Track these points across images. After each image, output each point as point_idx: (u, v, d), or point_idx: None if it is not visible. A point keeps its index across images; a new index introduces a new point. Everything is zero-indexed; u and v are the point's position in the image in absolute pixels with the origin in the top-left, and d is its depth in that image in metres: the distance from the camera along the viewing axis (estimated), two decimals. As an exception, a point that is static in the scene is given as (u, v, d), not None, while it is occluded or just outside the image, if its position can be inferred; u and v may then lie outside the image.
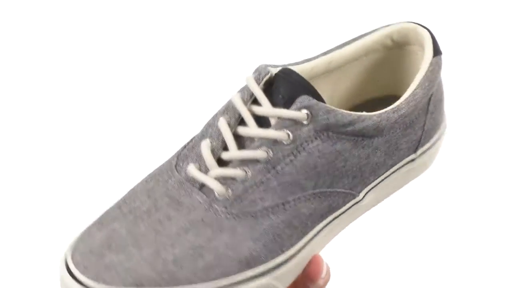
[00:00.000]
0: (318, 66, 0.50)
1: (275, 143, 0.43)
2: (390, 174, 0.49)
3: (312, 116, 0.43)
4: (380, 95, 0.55)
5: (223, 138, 0.44)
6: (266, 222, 0.43)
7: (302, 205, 0.44)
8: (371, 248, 0.86)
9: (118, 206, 0.44)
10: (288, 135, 0.43)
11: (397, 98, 0.49)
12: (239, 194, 0.42)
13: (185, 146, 0.46)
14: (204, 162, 0.43)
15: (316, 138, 0.43)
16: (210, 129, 0.45)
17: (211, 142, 0.44)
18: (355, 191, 0.46)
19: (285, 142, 0.43)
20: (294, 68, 0.48)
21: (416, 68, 0.50)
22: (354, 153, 0.45)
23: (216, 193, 0.42)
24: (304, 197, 0.44)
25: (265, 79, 0.44)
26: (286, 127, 0.43)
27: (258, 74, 0.45)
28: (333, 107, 0.43)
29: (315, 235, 0.45)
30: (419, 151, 0.50)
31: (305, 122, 0.43)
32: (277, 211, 0.43)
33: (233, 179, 0.42)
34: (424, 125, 0.49)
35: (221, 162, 0.43)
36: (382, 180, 0.48)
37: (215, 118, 0.45)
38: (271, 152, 0.43)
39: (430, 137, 0.51)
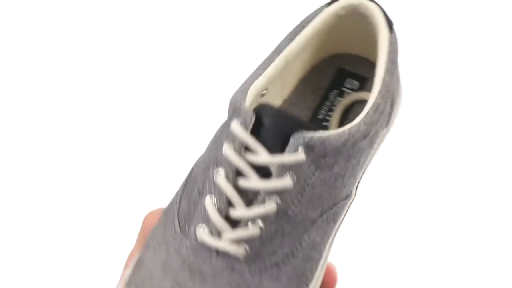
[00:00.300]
0: (275, 72, 0.48)
1: (283, 191, 0.41)
2: (370, 159, 0.48)
3: (309, 151, 0.41)
4: (335, 53, 0.54)
5: (226, 194, 0.41)
6: (289, 267, 0.42)
7: (314, 235, 0.43)
8: (370, 248, 0.86)
9: (134, 285, 0.42)
10: (293, 179, 0.41)
11: (352, 56, 0.49)
12: (258, 250, 0.41)
13: (179, 201, 0.44)
14: (214, 224, 0.41)
15: (316, 170, 0.42)
16: (208, 185, 0.42)
17: (214, 200, 0.42)
18: (350, 193, 0.46)
19: (291, 188, 0.41)
20: (259, 82, 0.45)
21: (371, 33, 0.49)
22: (348, 165, 0.44)
23: (235, 255, 0.41)
24: (315, 228, 0.43)
25: (252, 123, 0.42)
26: (288, 171, 0.41)
27: (244, 119, 0.42)
28: (325, 133, 0.42)
29: (328, 251, 0.45)
30: (389, 124, 0.50)
31: (305, 160, 0.41)
32: (296, 253, 0.42)
33: (249, 238, 0.41)
34: (392, 102, 0.48)
35: (229, 219, 0.42)
36: (368, 164, 0.48)
37: (208, 170, 0.43)
38: (279, 200, 0.41)
39: (396, 106, 0.50)
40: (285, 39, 0.48)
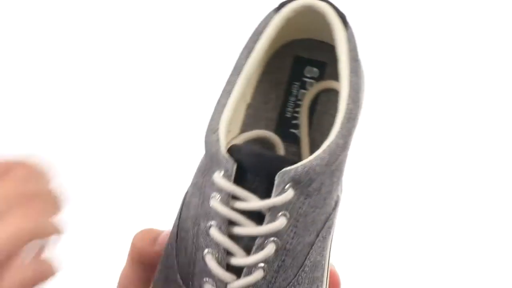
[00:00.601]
0: (239, 96, 0.46)
1: (279, 231, 0.41)
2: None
3: (296, 185, 0.41)
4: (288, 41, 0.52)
5: (223, 246, 0.41)
6: None
7: (315, 256, 0.43)
8: (368, 249, 0.86)
9: None
10: (286, 216, 0.41)
11: (305, 40, 0.48)
12: None
13: (176, 255, 0.44)
14: (218, 277, 0.41)
15: (305, 199, 0.41)
16: (202, 238, 0.42)
17: (213, 253, 0.41)
18: (337, 197, 0.46)
19: (286, 225, 0.41)
20: (226, 116, 0.44)
21: (327, 31, 0.47)
22: (333, 180, 0.43)
23: None
24: (314, 250, 0.43)
25: (234, 172, 0.41)
26: (280, 211, 0.41)
27: (225, 170, 0.41)
28: (307, 161, 0.41)
29: (328, 260, 0.45)
30: (357, 119, 0.49)
31: (294, 196, 0.41)
32: (301, 279, 0.42)
33: (255, 283, 0.41)
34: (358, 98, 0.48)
35: (231, 268, 0.41)
36: None
37: (199, 224, 0.42)
38: (277, 239, 0.41)
39: (361, 99, 0.49)
40: (240, 57, 0.47)
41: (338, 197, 0.45)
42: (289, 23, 0.47)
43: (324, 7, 0.45)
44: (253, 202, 0.40)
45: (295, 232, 0.41)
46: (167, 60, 0.90)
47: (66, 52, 0.90)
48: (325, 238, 0.43)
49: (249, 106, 0.50)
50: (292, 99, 0.51)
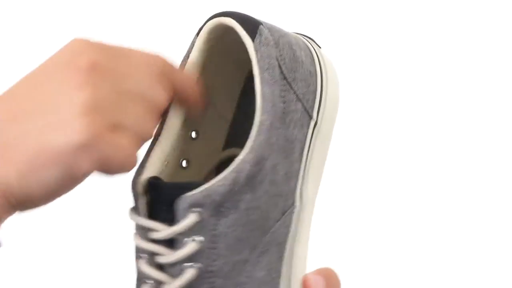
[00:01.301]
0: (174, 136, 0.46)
1: (194, 255, 0.41)
2: (306, 159, 0.46)
3: (199, 209, 0.41)
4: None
5: (154, 278, 0.42)
6: None
7: (255, 273, 0.43)
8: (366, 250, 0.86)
9: None
10: (196, 240, 0.41)
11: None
12: None
13: None
14: None
15: (219, 220, 0.41)
16: (140, 274, 0.43)
17: (147, 284, 0.43)
18: (288, 208, 0.45)
19: (201, 249, 0.41)
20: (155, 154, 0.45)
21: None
22: (259, 194, 0.42)
23: None
24: (251, 266, 0.43)
25: (144, 204, 0.42)
26: (188, 236, 0.41)
27: (135, 204, 0.42)
28: (207, 185, 0.41)
29: (288, 274, 0.45)
30: (314, 113, 0.47)
31: (199, 219, 0.41)
32: None
33: None
34: (296, 94, 0.46)
35: None
36: (305, 168, 0.46)
37: (136, 259, 0.44)
38: (195, 264, 0.41)
39: (314, 94, 0.47)
40: None
41: (291, 204, 0.45)
42: (214, 44, 0.46)
43: (231, 23, 0.44)
44: (164, 231, 0.41)
45: (217, 254, 0.41)
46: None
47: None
48: (268, 251, 0.43)
49: (232, 124, 0.50)
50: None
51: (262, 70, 0.43)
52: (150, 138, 0.42)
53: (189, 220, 0.41)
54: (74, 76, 0.38)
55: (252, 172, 0.42)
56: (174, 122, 0.45)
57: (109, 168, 0.39)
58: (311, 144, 0.47)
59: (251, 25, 0.44)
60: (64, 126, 0.37)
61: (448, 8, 0.94)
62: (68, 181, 0.38)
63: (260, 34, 0.44)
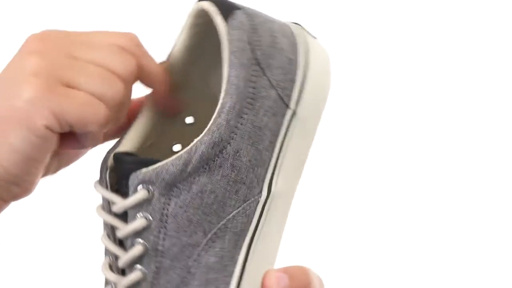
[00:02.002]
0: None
1: (143, 231, 0.42)
2: (281, 149, 0.45)
3: (150, 186, 0.42)
4: None
5: (110, 250, 0.43)
6: None
7: (205, 258, 0.42)
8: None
9: None
10: (146, 217, 0.42)
11: None
12: None
13: None
14: (108, 279, 0.44)
15: (170, 199, 0.42)
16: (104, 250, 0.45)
17: (106, 258, 0.44)
18: (252, 197, 0.44)
19: (148, 225, 0.42)
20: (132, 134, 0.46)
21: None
22: (216, 178, 0.42)
23: None
24: (203, 250, 0.42)
25: (107, 177, 0.43)
26: (138, 212, 0.42)
27: (100, 176, 0.44)
28: (160, 164, 0.42)
29: (243, 265, 0.43)
30: (291, 103, 0.45)
31: (149, 196, 0.42)
32: (187, 281, 0.42)
33: (137, 283, 0.43)
34: (269, 80, 0.45)
35: (121, 271, 0.44)
36: (277, 158, 0.45)
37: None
38: (143, 240, 0.42)
39: (292, 82, 0.46)
40: None
41: (258, 193, 0.44)
42: (201, 28, 0.46)
43: (206, 6, 0.45)
44: (118, 204, 0.42)
45: (165, 233, 0.42)
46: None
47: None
48: (223, 238, 0.42)
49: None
50: None
51: (230, 53, 0.43)
52: (114, 101, 0.42)
53: (138, 195, 0.41)
54: (25, 47, 0.41)
55: (208, 154, 0.41)
56: (151, 106, 0.46)
57: (67, 119, 0.40)
58: (287, 134, 0.45)
59: (226, 8, 0.44)
60: (17, 88, 0.40)
61: (447, 7, 0.94)
62: (33, 138, 0.39)
63: (234, 18, 0.44)
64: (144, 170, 0.41)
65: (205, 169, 0.42)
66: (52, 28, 0.43)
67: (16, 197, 0.42)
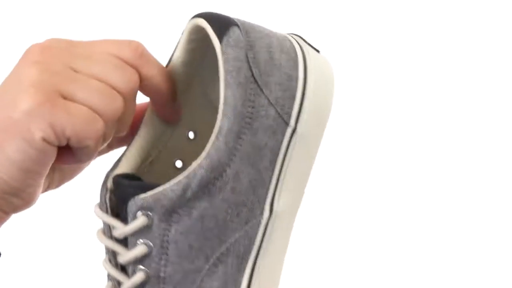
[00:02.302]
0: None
1: (144, 259, 0.41)
2: (282, 167, 0.44)
3: (149, 212, 0.41)
4: None
5: (113, 276, 0.43)
6: None
7: (209, 283, 0.42)
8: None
9: None
10: (146, 244, 0.41)
11: None
12: None
13: None
14: None
15: (170, 225, 0.41)
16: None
17: (110, 284, 0.44)
18: (254, 218, 0.43)
19: (149, 252, 0.41)
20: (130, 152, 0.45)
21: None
22: (216, 203, 0.41)
23: None
24: (206, 276, 0.42)
25: (107, 200, 0.43)
26: (138, 238, 0.41)
27: (100, 200, 0.43)
28: (158, 189, 0.41)
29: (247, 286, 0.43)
30: (291, 120, 0.44)
31: (149, 223, 0.41)
32: None
33: None
34: (268, 99, 0.44)
35: None
36: (278, 177, 0.44)
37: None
38: (145, 267, 0.41)
39: (292, 99, 0.44)
40: None
41: (259, 214, 0.43)
42: (197, 44, 0.45)
43: (202, 23, 0.44)
44: (118, 230, 0.42)
45: (167, 260, 0.41)
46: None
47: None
48: (226, 262, 0.42)
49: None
50: None
51: (226, 72, 0.42)
52: (117, 113, 0.41)
53: (137, 222, 0.41)
54: (27, 57, 0.41)
55: (207, 178, 0.41)
56: (152, 118, 0.45)
57: (65, 133, 0.39)
58: (288, 152, 0.44)
59: (221, 26, 0.43)
60: (16, 99, 0.39)
61: (446, 7, 0.94)
62: (31, 151, 0.39)
63: (229, 36, 0.43)
64: (142, 196, 0.41)
65: (205, 193, 0.41)
66: (55, 36, 0.43)
67: (17, 209, 0.41)
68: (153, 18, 0.94)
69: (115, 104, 0.41)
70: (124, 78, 0.41)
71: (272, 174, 0.43)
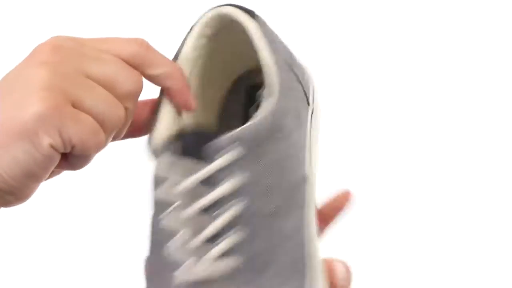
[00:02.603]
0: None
1: (235, 193, 0.40)
2: (310, 136, 0.46)
3: (240, 147, 0.40)
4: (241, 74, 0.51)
5: (191, 225, 0.40)
6: (281, 257, 0.42)
7: (289, 223, 0.42)
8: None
9: None
10: (237, 179, 0.40)
11: (253, 70, 0.48)
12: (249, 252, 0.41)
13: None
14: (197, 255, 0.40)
15: (259, 157, 0.41)
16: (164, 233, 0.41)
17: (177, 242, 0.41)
18: (303, 173, 0.44)
19: (242, 185, 0.40)
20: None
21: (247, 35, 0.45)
22: (290, 142, 0.43)
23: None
24: (285, 215, 0.42)
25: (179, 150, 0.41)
26: (229, 173, 0.40)
27: (170, 152, 0.41)
28: (250, 122, 0.41)
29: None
30: (310, 100, 0.47)
31: (240, 155, 0.40)
32: (278, 248, 0.41)
33: (230, 250, 0.40)
34: (296, 76, 0.46)
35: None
36: (310, 145, 0.46)
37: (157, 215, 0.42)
38: (240, 201, 0.40)
39: (308, 83, 0.47)
40: None
41: (305, 175, 0.44)
42: (211, 45, 0.46)
43: (228, 10, 0.45)
44: (205, 169, 0.40)
45: (254, 196, 0.40)
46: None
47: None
48: (295, 207, 0.42)
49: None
50: None
51: (269, 41, 0.43)
52: (118, 125, 0.41)
53: (229, 155, 0.40)
54: (37, 57, 0.40)
55: (279, 122, 0.42)
56: (166, 114, 0.45)
57: (72, 141, 0.39)
58: (311, 129, 0.46)
59: (249, 11, 0.45)
60: (25, 100, 0.39)
61: (445, 7, 0.94)
62: (37, 155, 0.39)
63: (257, 17, 0.44)
64: (236, 130, 0.40)
65: (278, 137, 0.42)
66: (62, 35, 0.42)
67: (8, 204, 0.41)
68: (153, 18, 0.95)
69: (118, 115, 0.41)
70: (133, 83, 0.42)
71: (305, 139, 0.45)
